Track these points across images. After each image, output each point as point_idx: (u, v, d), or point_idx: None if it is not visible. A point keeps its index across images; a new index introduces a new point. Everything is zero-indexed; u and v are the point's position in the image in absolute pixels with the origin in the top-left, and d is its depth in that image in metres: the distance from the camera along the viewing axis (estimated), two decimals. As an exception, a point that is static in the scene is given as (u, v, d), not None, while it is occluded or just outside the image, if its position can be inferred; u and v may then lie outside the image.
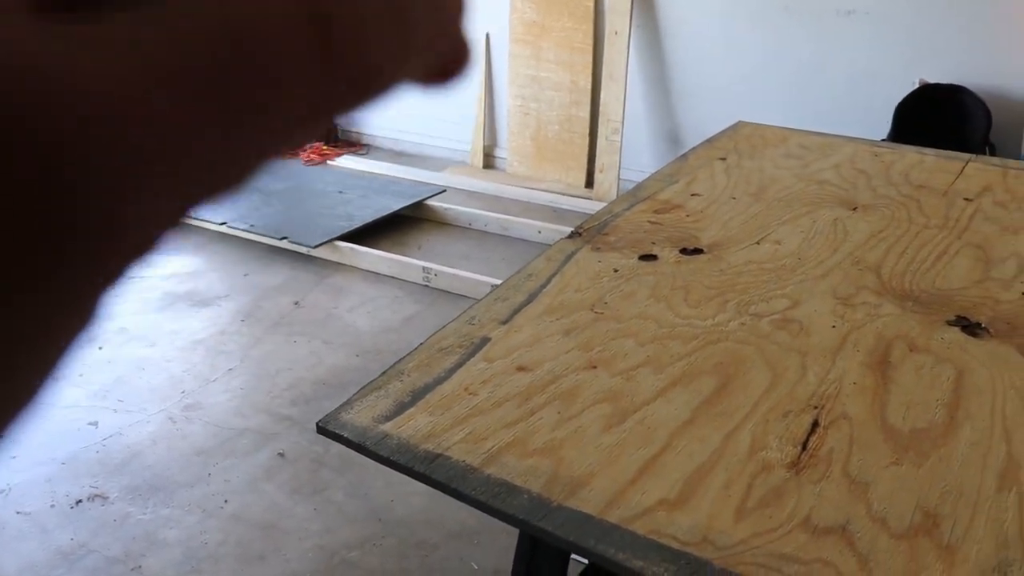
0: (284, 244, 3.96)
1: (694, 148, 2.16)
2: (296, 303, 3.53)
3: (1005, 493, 0.90)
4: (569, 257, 1.46)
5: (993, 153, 3.62)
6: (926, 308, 1.30)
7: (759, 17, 4.28)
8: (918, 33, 3.85)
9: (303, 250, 3.94)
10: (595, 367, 1.11)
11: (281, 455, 2.55)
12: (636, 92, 4.73)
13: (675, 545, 0.81)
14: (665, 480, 0.90)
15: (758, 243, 1.53)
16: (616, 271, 1.40)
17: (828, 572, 0.79)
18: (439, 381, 1.07)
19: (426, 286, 3.65)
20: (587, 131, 4.80)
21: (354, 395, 1.04)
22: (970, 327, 1.25)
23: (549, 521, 0.85)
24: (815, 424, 0.99)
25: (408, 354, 1.14)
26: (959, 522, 0.85)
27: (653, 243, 1.52)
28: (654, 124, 4.78)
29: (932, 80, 3.73)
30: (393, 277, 3.74)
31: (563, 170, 4.91)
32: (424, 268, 3.66)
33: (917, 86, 3.72)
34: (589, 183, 4.82)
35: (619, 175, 4.66)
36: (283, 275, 3.81)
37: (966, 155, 2.16)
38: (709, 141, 2.23)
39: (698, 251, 1.49)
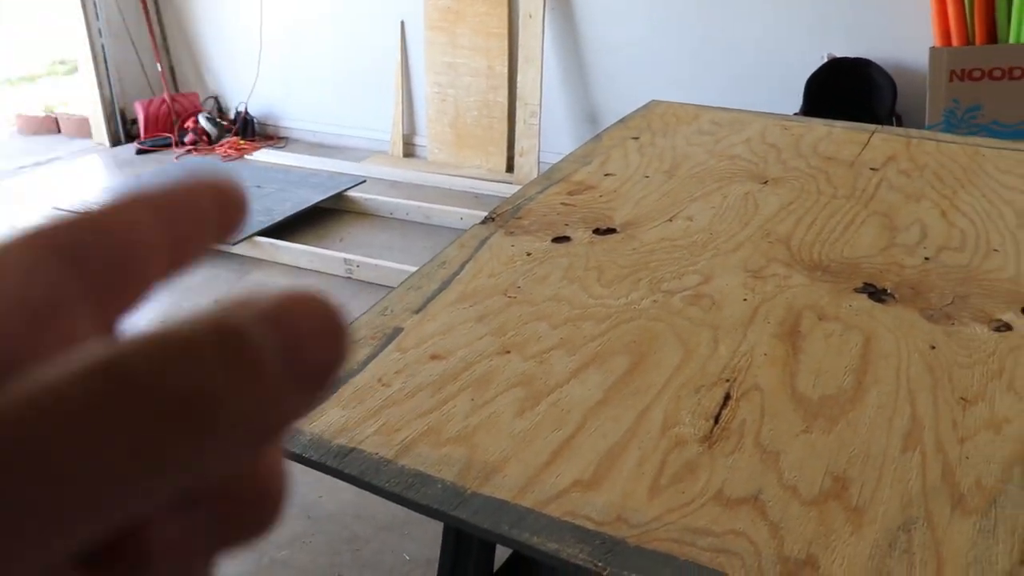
0: (202, 242, 3.89)
1: (608, 128, 2.17)
2: (216, 301, 3.46)
3: (909, 454, 0.91)
4: (483, 243, 1.45)
5: (900, 123, 3.70)
6: (835, 277, 1.32)
7: (670, -3, 4.32)
8: (826, 8, 3.91)
9: (222, 247, 3.87)
10: (508, 352, 1.10)
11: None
12: (553, 75, 4.73)
13: (590, 526, 0.81)
14: (579, 461, 0.90)
15: (670, 220, 1.54)
16: (529, 254, 1.40)
17: (740, 542, 0.79)
18: (352, 374, 1.06)
19: (349, 278, 3.61)
20: (506, 116, 4.79)
21: (264, 392, 1.02)
22: (876, 293, 1.27)
23: (463, 509, 0.84)
24: (727, 397, 1.00)
25: (319, 348, 1.12)
26: (866, 484, 0.87)
27: (566, 225, 1.52)
28: (572, 106, 4.79)
29: (840, 54, 3.80)
30: (315, 271, 3.70)
31: (484, 155, 4.90)
32: (346, 260, 3.63)
33: (826, 60, 3.78)
34: (510, 167, 4.82)
35: (539, 158, 4.66)
36: (201, 274, 3.73)
37: (872, 126, 2.21)
38: (623, 121, 2.24)
39: (611, 231, 1.49)
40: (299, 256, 3.77)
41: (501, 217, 1.57)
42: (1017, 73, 3.38)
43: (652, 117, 2.27)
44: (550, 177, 1.78)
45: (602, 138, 2.07)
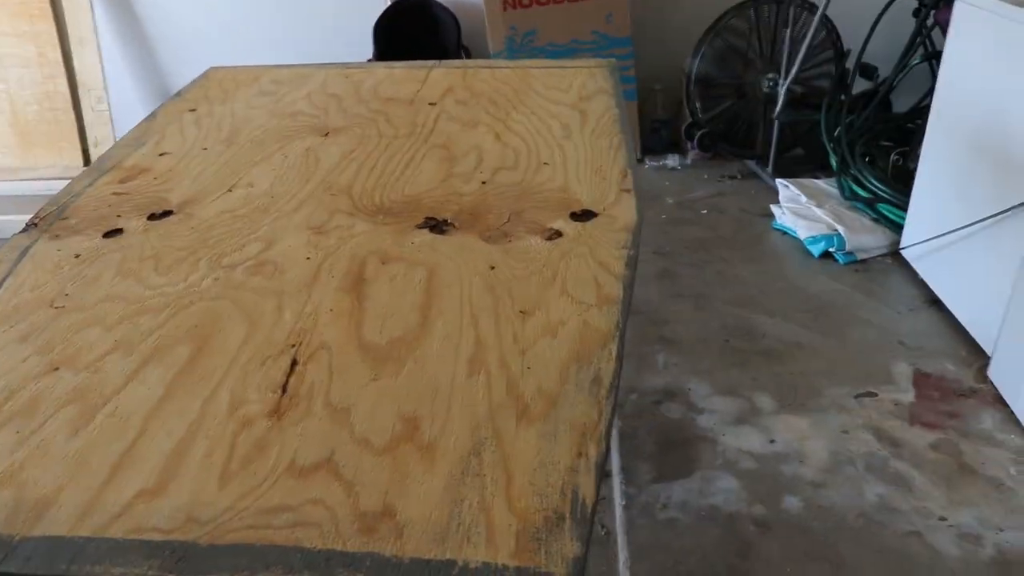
0: None
1: (163, 105, 2.04)
2: None
3: (475, 377, 0.94)
4: (23, 253, 1.31)
5: (468, 55, 3.85)
6: (397, 218, 1.34)
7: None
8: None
9: None
10: (57, 368, 1.00)
11: None
12: (114, 54, 4.41)
13: (158, 537, 0.76)
14: (142, 469, 0.84)
15: (230, 190, 1.48)
16: (78, 256, 1.29)
17: (317, 510, 0.78)
18: None
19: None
20: (70, 106, 4.41)
21: None
22: (438, 226, 1.30)
23: (12, 561, 0.75)
24: (294, 363, 0.98)
25: None
26: (436, 419, 0.89)
27: (119, 216, 1.42)
28: (142, 85, 4.51)
29: (399, -4, 3.87)
30: None
31: (54, 152, 4.48)
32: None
33: (389, 4, 3.83)
34: (88, 161, 4.46)
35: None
36: None
37: (432, 62, 2.26)
38: (179, 94, 2.13)
39: (168, 213, 1.41)
40: None
41: (44, 221, 1.43)
42: (561, -3, 3.65)
43: (210, 86, 2.17)
44: (99, 167, 1.65)
45: (156, 116, 1.95)
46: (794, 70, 3.54)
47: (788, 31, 3.61)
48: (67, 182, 4.27)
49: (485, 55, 3.80)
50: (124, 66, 4.47)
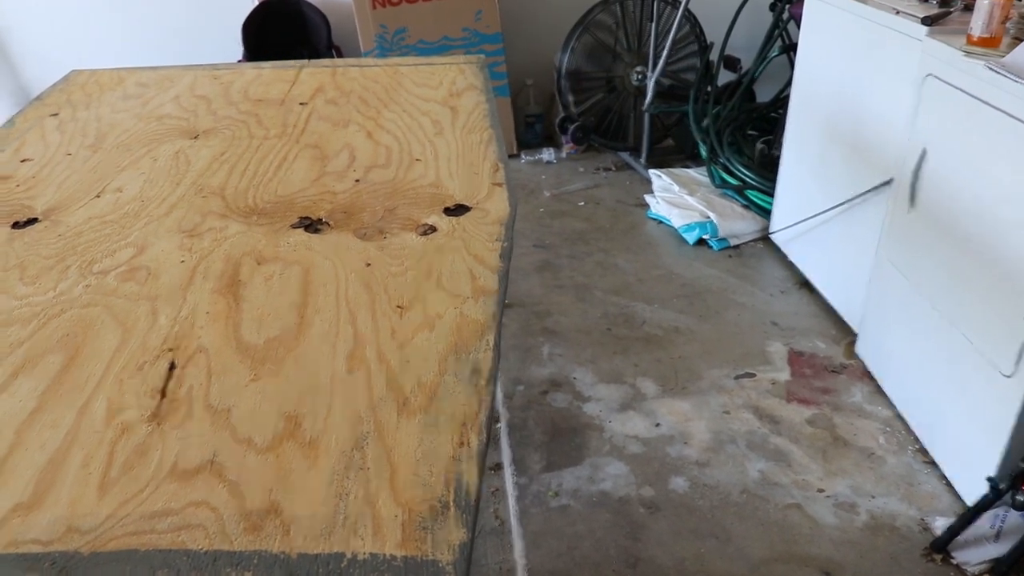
0: None
1: (22, 110, 1.97)
2: None
3: (355, 372, 0.95)
4: None
5: (340, 55, 3.82)
6: (270, 218, 1.33)
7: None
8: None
9: None
10: (-81, 387, 0.97)
11: None
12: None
13: (38, 549, 0.75)
14: (17, 483, 0.82)
15: (98, 196, 1.45)
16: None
17: (201, 512, 0.78)
18: None
19: None
20: (-79, 114, 4.21)
21: None
22: (312, 225, 1.30)
23: None
24: (172, 367, 0.97)
25: None
26: (318, 416, 0.89)
27: (-24, 226, 1.37)
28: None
29: (265, -5, 3.81)
30: None
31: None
32: None
33: (256, 4, 3.76)
34: (-57, 171, 4.26)
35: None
36: None
37: (301, 62, 2.24)
38: (39, 98, 2.06)
39: (33, 221, 1.37)
40: None
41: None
42: (429, -7, 3.65)
43: (73, 89, 2.11)
44: (-45, 177, 1.58)
45: (15, 122, 1.88)
46: (661, 63, 3.63)
47: (653, 25, 3.70)
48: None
49: (357, 54, 3.78)
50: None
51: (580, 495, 2.07)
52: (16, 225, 1.36)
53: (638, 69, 3.89)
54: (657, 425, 2.29)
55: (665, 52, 3.61)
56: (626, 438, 2.25)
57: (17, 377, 0.97)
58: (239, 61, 3.72)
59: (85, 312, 1.09)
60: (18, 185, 1.52)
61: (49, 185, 1.51)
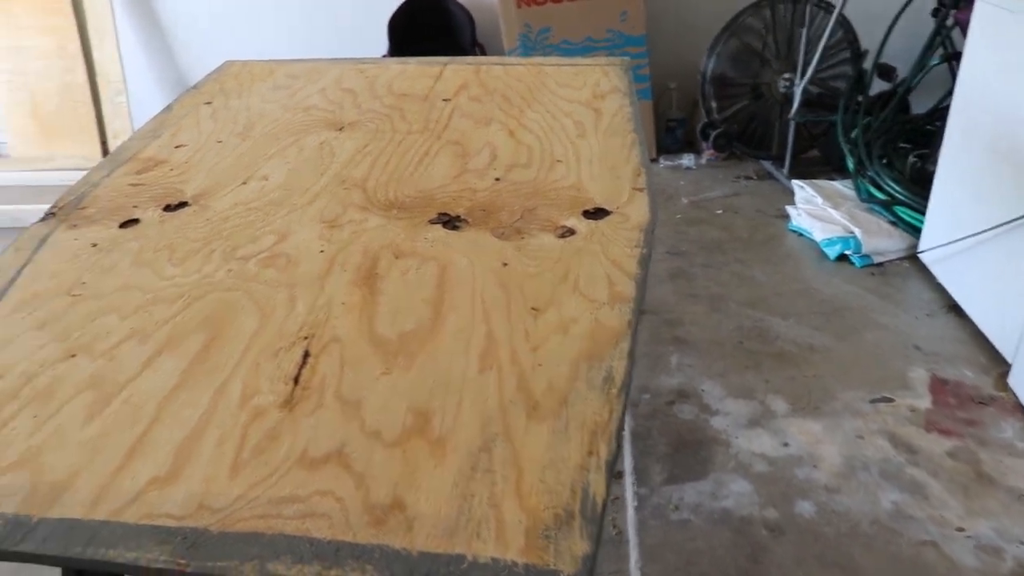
0: None
1: (179, 97, 2.05)
2: None
3: (486, 372, 0.94)
4: (42, 242, 1.32)
5: (483, 52, 3.85)
6: (410, 213, 1.34)
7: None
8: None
9: None
10: (74, 355, 1.01)
11: None
12: (132, 48, 4.43)
13: (171, 523, 0.76)
14: (155, 456, 0.84)
15: (245, 183, 1.48)
16: (95, 245, 1.29)
17: (327, 501, 0.78)
18: None
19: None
20: (89, 98, 4.43)
21: None
22: (451, 222, 1.30)
23: (30, 541, 0.76)
24: (306, 355, 0.98)
25: None
26: (447, 413, 0.89)
27: (135, 207, 1.42)
28: (160, 78, 4.53)
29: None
30: None
31: (73, 143, 4.51)
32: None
33: (403, 0, 3.83)
34: (106, 152, 4.48)
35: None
36: None
37: (445, 59, 2.26)
38: (195, 87, 2.14)
39: (183, 205, 1.42)
40: None
41: (63, 211, 1.43)
42: (575, -6, 3.65)
43: (226, 79, 2.18)
44: (117, 158, 1.66)
45: (173, 108, 1.96)
46: (810, 70, 3.52)
47: (804, 31, 3.59)
48: (83, 173, 4.30)
49: (500, 53, 3.80)
50: (143, 59, 4.49)
51: (701, 510, 2.02)
52: (168, 208, 1.41)
53: (786, 76, 3.79)
54: (786, 445, 2.22)
55: (816, 59, 3.50)
56: (752, 456, 2.19)
57: (161, 354, 1.00)
58: (384, 56, 3.79)
59: (227, 296, 1.12)
60: (172, 169, 1.57)
61: (200, 171, 1.56)
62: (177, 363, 0.98)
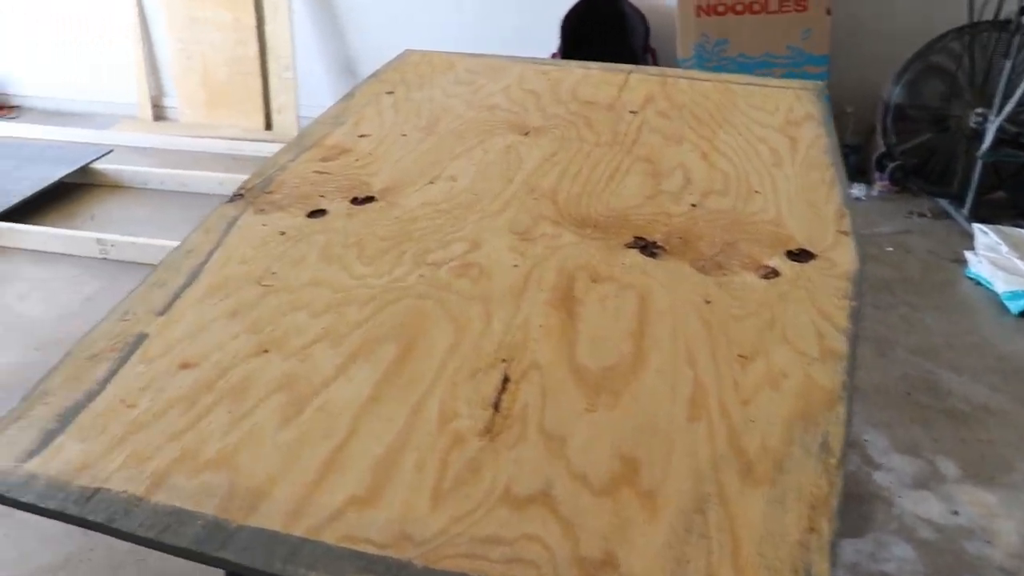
0: (-75, 234, 3.46)
1: (360, 84, 2.05)
2: (-54, 299, 3.10)
3: (696, 423, 0.88)
4: (231, 224, 1.31)
5: (655, 58, 3.76)
6: (604, 232, 1.28)
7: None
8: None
9: (-48, 237, 3.47)
10: (267, 351, 0.99)
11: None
12: (304, 25, 4.51)
13: (371, 550, 0.73)
14: (353, 473, 0.81)
15: (432, 182, 1.45)
16: (283, 234, 1.28)
17: (534, 548, 0.73)
18: (91, 396, 0.92)
19: (105, 259, 3.31)
20: (258, 70, 4.54)
21: (-21, 433, 0.87)
22: (648, 247, 1.24)
23: (230, 548, 0.74)
24: (505, 380, 0.93)
25: (53, 368, 0.97)
26: (656, 463, 0.83)
27: (322, 196, 1.41)
28: (328, 57, 4.59)
29: (592, -9, 3.81)
30: (66, 255, 3.37)
31: (239, 114, 4.63)
32: (99, 240, 3.32)
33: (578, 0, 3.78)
34: (269, 125, 4.58)
35: (298, 114, 4.45)
36: (-70, 268, 3.33)
37: (628, 66, 2.20)
38: (376, 75, 2.13)
39: (370, 199, 1.39)
40: (46, 240, 3.42)
41: (250, 193, 1.43)
42: (757, 7, 3.51)
43: (406, 68, 2.17)
44: (301, 143, 1.65)
45: (355, 95, 1.95)
46: (1010, 106, 3.30)
47: (1009, 63, 3.36)
48: (247, 143, 4.37)
49: (672, 59, 3.70)
50: (312, 38, 4.56)
51: (859, 571, 1.90)
52: (355, 201, 1.39)
53: (979, 110, 3.56)
54: (955, 513, 2.07)
55: (1018, 94, 3.27)
56: (917, 520, 2.05)
57: (355, 361, 0.97)
58: (553, 54, 3.75)
59: (419, 303, 1.08)
60: (357, 160, 1.56)
61: (385, 163, 1.54)
62: (371, 372, 0.95)
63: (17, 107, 5.41)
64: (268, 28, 4.45)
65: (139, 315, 1.07)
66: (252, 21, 4.47)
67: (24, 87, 5.39)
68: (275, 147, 4.32)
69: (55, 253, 3.39)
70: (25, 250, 3.43)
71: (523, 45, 3.79)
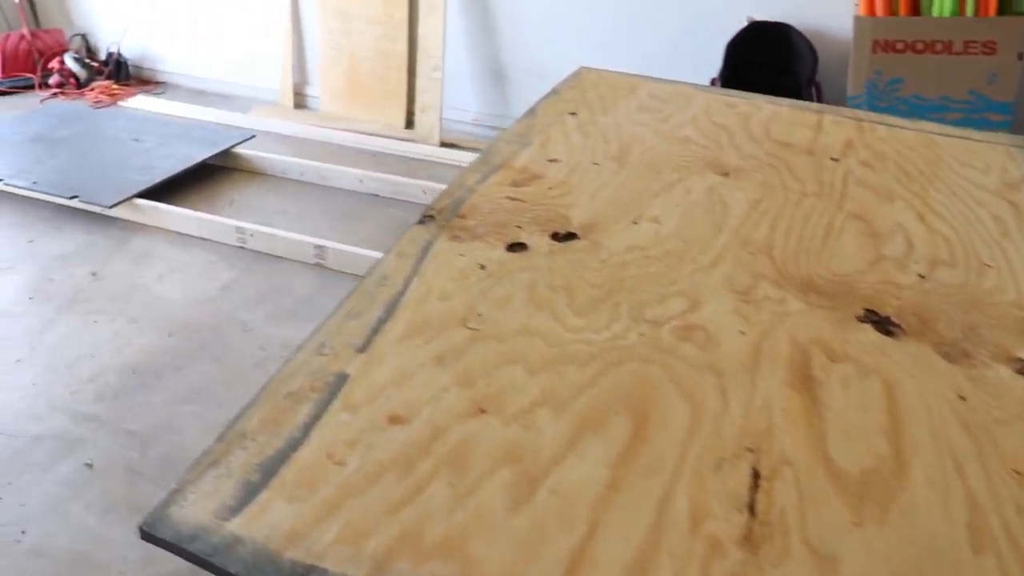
0: (75, 204, 3.53)
1: (541, 101, 1.97)
2: (93, 274, 3.14)
3: (983, 556, 0.77)
4: (425, 251, 1.25)
5: (819, 91, 3.61)
6: (831, 301, 1.17)
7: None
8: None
9: (97, 210, 3.52)
10: (484, 411, 0.91)
11: (88, 466, 2.20)
12: (456, 26, 4.47)
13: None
14: (599, 576, 0.72)
15: (636, 223, 1.36)
16: (483, 267, 1.21)
17: None
18: (293, 445, 0.85)
19: (242, 248, 3.32)
20: (404, 67, 4.52)
21: (186, 473, 0.81)
22: (881, 323, 1.12)
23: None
24: (756, 476, 0.83)
25: (249, 405, 0.91)
26: (944, 603, 0.72)
27: (519, 227, 1.33)
28: (476, 59, 4.54)
29: (761, 18, 3.66)
30: (204, 238, 3.39)
31: (380, 109, 4.62)
32: (238, 228, 3.33)
33: (747, 24, 3.64)
34: (409, 123, 4.56)
35: (441, 115, 4.41)
36: (75, 240, 3.39)
37: (818, 106, 2.08)
38: (555, 93, 2.05)
39: (571, 236, 1.31)
40: (186, 222, 3.45)
41: (441, 215, 1.36)
42: (939, 47, 3.32)
43: (585, 87, 2.09)
44: (488, 162, 1.58)
45: (537, 113, 1.88)
46: None
47: None
48: (387, 140, 4.32)
49: (838, 94, 3.54)
50: (462, 39, 4.52)
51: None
52: (555, 237, 1.31)
53: None
54: None
55: None
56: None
57: (584, 435, 0.88)
58: (713, 79, 3.63)
59: (644, 368, 0.99)
60: (550, 188, 1.48)
61: (580, 195, 1.45)
62: (603, 450, 0.86)
63: (162, 83, 5.52)
64: (421, 26, 4.42)
65: (337, 350, 1.00)
66: (404, 17, 4.45)
67: (168, 64, 5.49)
68: (415, 146, 4.32)
69: (194, 236, 3.41)
70: (166, 230, 3.46)
71: (681, 65, 3.69)
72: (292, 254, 3.20)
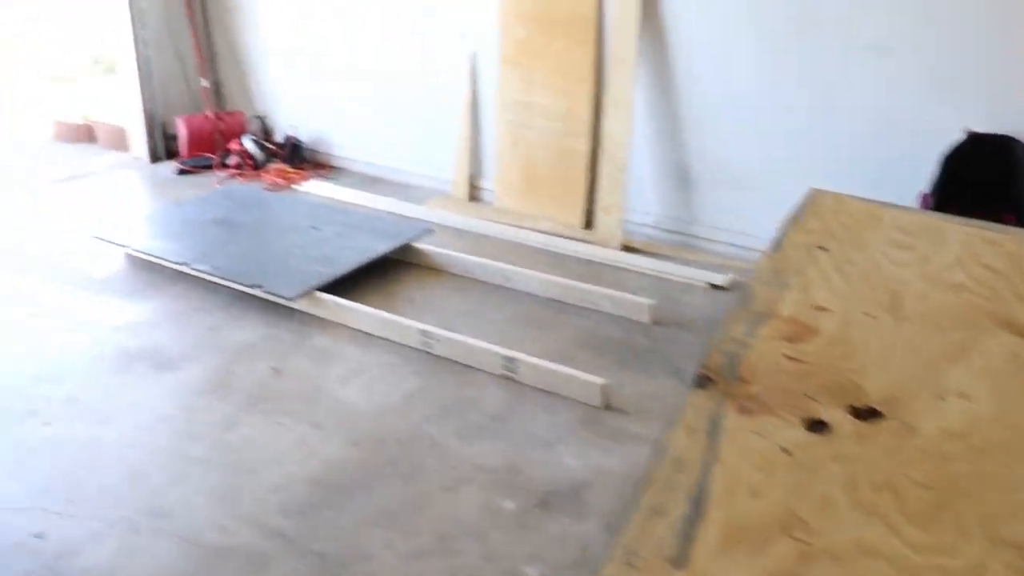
0: (258, 293, 3.54)
1: (784, 229, 1.82)
2: (275, 370, 3.11)
3: None
4: (715, 424, 1.10)
5: (1021, 218, 3.33)
6: None
7: (781, 50, 3.92)
8: (962, 76, 3.52)
9: (279, 301, 3.52)
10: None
11: (281, 590, 2.10)
12: (639, 125, 4.35)
13: None
14: None
15: (942, 399, 1.18)
16: (786, 451, 1.05)
17: None
18: None
19: (426, 352, 3.22)
20: (584, 166, 4.43)
21: None
22: None
23: None
24: None
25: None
26: None
27: (810, 397, 1.17)
28: (658, 159, 4.41)
29: (978, 129, 3.40)
30: (385, 339, 3.32)
31: (556, 207, 4.53)
32: (423, 332, 3.25)
33: (965, 136, 3.40)
34: (587, 223, 4.45)
35: (623, 216, 4.29)
36: (256, 331, 3.38)
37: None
38: (795, 221, 1.89)
39: (874, 413, 1.14)
40: (370, 321, 3.39)
41: (720, 376, 1.21)
42: None
43: (825, 215, 1.92)
44: (749, 308, 1.43)
45: (783, 246, 1.72)
46: None
47: None
48: (566, 241, 4.15)
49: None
50: (645, 139, 4.40)
51: None
52: (856, 413, 1.14)
53: None
54: None
55: None
56: None
57: None
58: (924, 195, 3.40)
59: (1027, 617, 0.81)
60: (830, 346, 1.31)
61: (866, 357, 1.28)
62: None
63: (335, 168, 5.63)
64: (605, 125, 4.33)
65: (650, 562, 0.86)
66: (588, 115, 4.38)
67: (342, 148, 5.60)
68: (596, 250, 4.17)
69: (375, 336, 3.35)
70: (346, 327, 3.42)
71: (882, 176, 3.48)
72: (479, 363, 3.09)
